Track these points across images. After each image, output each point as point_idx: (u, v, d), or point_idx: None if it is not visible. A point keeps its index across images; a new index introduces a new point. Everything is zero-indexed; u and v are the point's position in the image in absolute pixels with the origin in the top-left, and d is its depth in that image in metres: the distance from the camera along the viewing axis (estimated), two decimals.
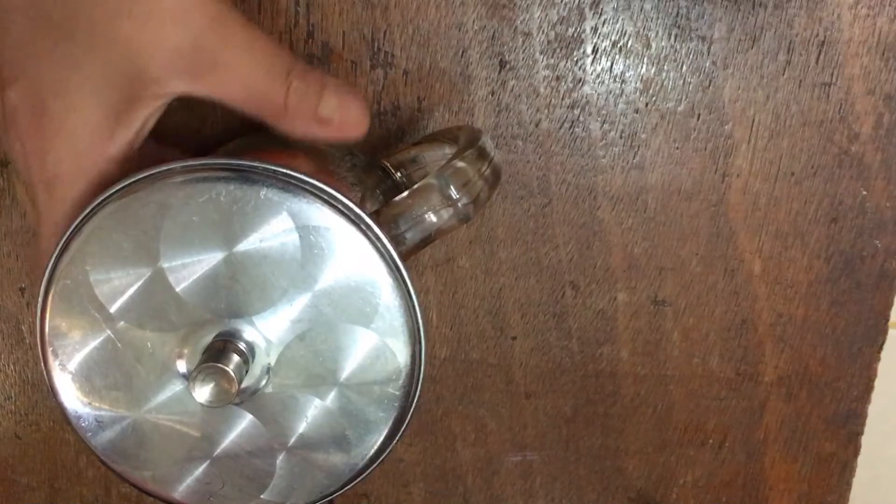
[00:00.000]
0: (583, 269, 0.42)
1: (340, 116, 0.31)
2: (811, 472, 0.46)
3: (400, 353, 0.29)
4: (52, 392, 0.29)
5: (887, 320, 0.43)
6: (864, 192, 0.41)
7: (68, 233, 0.28)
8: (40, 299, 0.28)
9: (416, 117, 0.40)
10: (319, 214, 0.28)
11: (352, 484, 0.30)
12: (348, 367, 0.29)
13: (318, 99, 0.31)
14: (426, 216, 0.30)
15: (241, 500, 0.30)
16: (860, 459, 0.46)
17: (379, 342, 0.29)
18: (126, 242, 0.28)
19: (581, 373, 0.44)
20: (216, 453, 0.30)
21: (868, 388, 0.44)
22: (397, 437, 0.30)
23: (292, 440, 0.30)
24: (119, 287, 0.28)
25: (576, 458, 0.46)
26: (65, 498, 0.47)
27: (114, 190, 0.28)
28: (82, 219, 0.28)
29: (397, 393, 0.30)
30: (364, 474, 0.30)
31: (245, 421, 0.29)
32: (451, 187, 0.30)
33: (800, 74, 0.39)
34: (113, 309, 0.28)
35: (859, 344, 0.43)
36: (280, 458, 0.30)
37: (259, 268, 0.28)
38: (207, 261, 0.28)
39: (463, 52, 0.39)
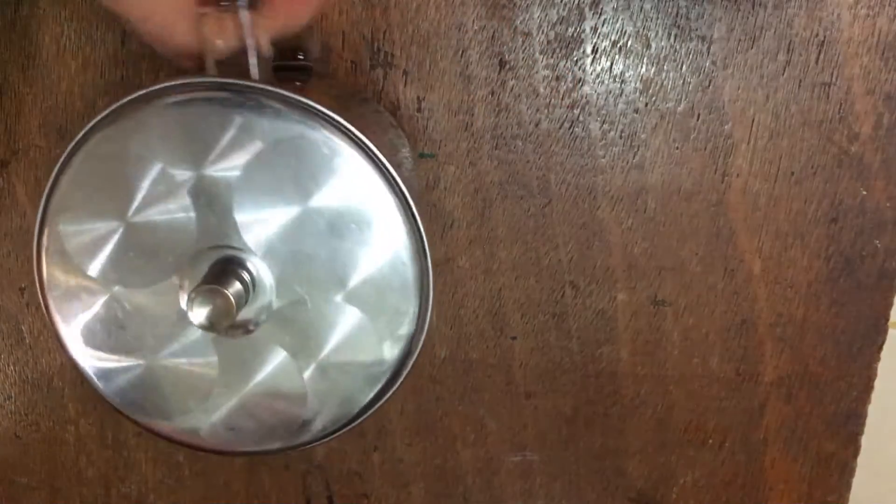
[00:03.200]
0: (583, 269, 0.42)
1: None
2: (811, 472, 0.46)
3: (406, 260, 0.28)
4: (63, 350, 0.29)
5: (887, 320, 0.43)
6: (864, 192, 0.41)
7: (45, 194, 0.28)
8: (34, 264, 0.28)
9: (416, 117, 0.40)
10: (312, 127, 0.27)
11: (391, 391, 0.30)
12: (333, 348, 0.29)
13: None
14: None
15: (261, 433, 0.30)
16: (860, 459, 0.46)
17: (377, 342, 0.29)
18: (98, 192, 0.27)
19: (581, 373, 0.44)
20: (245, 390, 0.29)
21: (868, 388, 0.44)
22: (417, 352, 0.30)
23: (322, 354, 0.29)
24: (96, 239, 0.28)
25: (576, 458, 0.46)
26: (65, 498, 0.47)
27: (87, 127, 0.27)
28: (56, 172, 0.28)
29: (409, 290, 0.29)
30: (395, 386, 0.30)
31: (206, 347, 0.29)
32: None
33: (800, 74, 0.39)
34: (98, 266, 0.28)
35: (859, 344, 0.43)
36: (308, 374, 0.29)
37: (255, 188, 0.27)
38: (275, 205, 0.27)
39: (463, 52, 0.39)
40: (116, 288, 0.29)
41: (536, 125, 0.40)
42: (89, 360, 0.30)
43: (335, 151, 0.27)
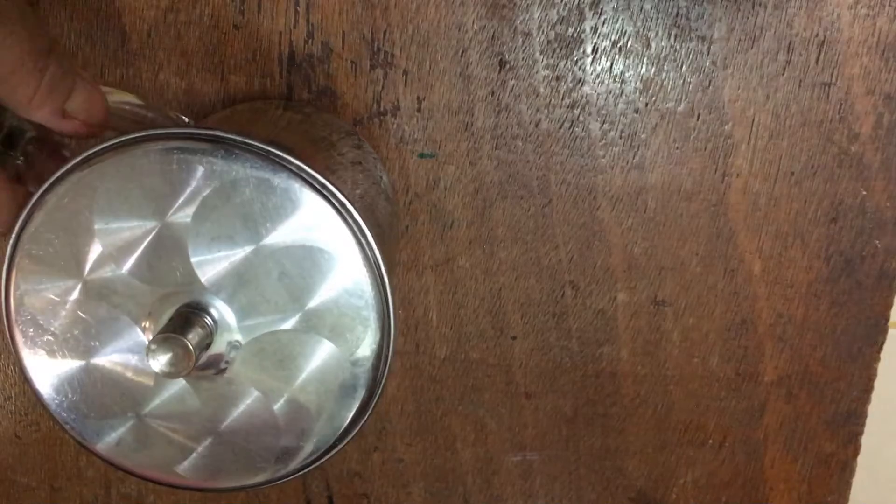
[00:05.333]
0: (583, 269, 0.42)
1: (85, 115, 0.30)
2: (811, 472, 0.46)
3: (361, 379, 0.30)
4: (45, 409, 0.30)
5: (887, 320, 0.43)
6: (864, 192, 0.41)
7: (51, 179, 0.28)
8: (12, 239, 0.29)
9: (416, 117, 0.40)
10: (350, 246, 0.28)
11: (282, 481, 0.31)
12: (305, 377, 0.29)
13: (68, 93, 0.30)
14: None
15: (154, 466, 0.31)
16: (860, 459, 0.46)
17: (347, 366, 0.29)
18: (136, 194, 0.28)
19: (581, 373, 0.44)
20: (144, 413, 0.30)
21: (868, 388, 0.44)
22: (308, 467, 0.31)
23: (223, 426, 0.30)
24: (120, 237, 0.28)
25: (576, 458, 0.46)
26: (65, 498, 0.47)
27: (119, 140, 0.28)
28: (89, 155, 0.28)
29: (347, 408, 0.30)
30: (372, 404, 0.30)
31: (185, 392, 0.30)
32: None
33: (800, 74, 0.39)
34: (64, 326, 0.29)
35: (859, 344, 0.43)
36: (207, 441, 0.30)
37: (270, 269, 0.28)
38: (227, 242, 0.28)
39: (463, 52, 0.39)
40: (86, 346, 0.29)
41: (536, 125, 0.40)
42: (74, 418, 0.30)
43: (286, 190, 0.28)
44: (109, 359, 0.29)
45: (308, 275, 0.28)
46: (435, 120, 0.40)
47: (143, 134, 0.28)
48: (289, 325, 0.29)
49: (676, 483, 0.46)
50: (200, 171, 0.27)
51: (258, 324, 0.29)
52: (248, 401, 0.30)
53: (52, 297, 0.29)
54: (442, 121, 0.40)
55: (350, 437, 0.30)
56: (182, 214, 0.28)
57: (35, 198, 0.28)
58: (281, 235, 0.28)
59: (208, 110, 0.40)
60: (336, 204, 0.28)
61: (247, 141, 0.28)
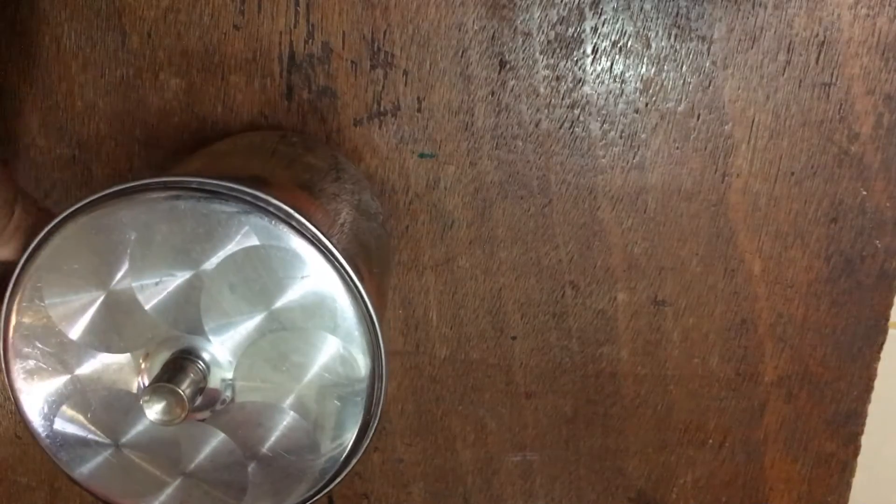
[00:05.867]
0: (583, 269, 0.42)
1: None
2: (811, 472, 0.46)
3: (359, 354, 0.29)
4: (25, 424, 0.30)
5: (887, 320, 0.43)
6: (864, 192, 0.41)
7: (21, 261, 0.29)
8: (1, 331, 0.29)
9: (416, 117, 0.40)
10: (280, 234, 0.28)
11: (331, 486, 0.31)
12: (308, 371, 0.29)
13: (32, 231, 0.32)
14: None
15: None
16: (860, 459, 0.46)
17: (337, 345, 0.29)
18: (80, 265, 0.28)
19: (581, 373, 0.44)
20: (188, 471, 0.30)
21: (868, 388, 0.44)
22: (369, 435, 0.30)
23: (262, 449, 0.30)
24: (76, 309, 0.29)
25: (576, 458, 0.46)
26: (65, 498, 0.47)
27: (65, 214, 0.28)
28: (33, 248, 0.29)
29: (360, 392, 0.30)
30: (341, 475, 0.31)
31: (213, 437, 0.30)
32: None
33: (800, 74, 0.39)
34: (72, 334, 0.29)
35: (859, 344, 0.43)
36: (251, 469, 0.30)
37: (220, 286, 0.28)
38: (169, 280, 0.28)
39: (463, 52, 0.39)
40: (110, 434, 0.30)
41: (536, 125, 0.40)
42: (57, 444, 0.31)
43: (296, 255, 0.28)
44: (135, 437, 0.30)
45: (258, 277, 0.29)
46: (435, 120, 0.40)
47: (66, 214, 0.28)
48: (263, 327, 0.29)
49: (676, 483, 0.46)
50: (120, 229, 0.28)
51: (235, 338, 0.29)
52: (222, 452, 0.30)
53: (53, 400, 0.30)
54: (442, 121, 0.40)
55: (374, 426, 0.31)
56: (123, 278, 0.28)
57: (2, 321, 0.29)
58: (215, 252, 0.28)
59: (208, 110, 0.40)
60: (259, 203, 0.28)
61: (143, 183, 0.28)
